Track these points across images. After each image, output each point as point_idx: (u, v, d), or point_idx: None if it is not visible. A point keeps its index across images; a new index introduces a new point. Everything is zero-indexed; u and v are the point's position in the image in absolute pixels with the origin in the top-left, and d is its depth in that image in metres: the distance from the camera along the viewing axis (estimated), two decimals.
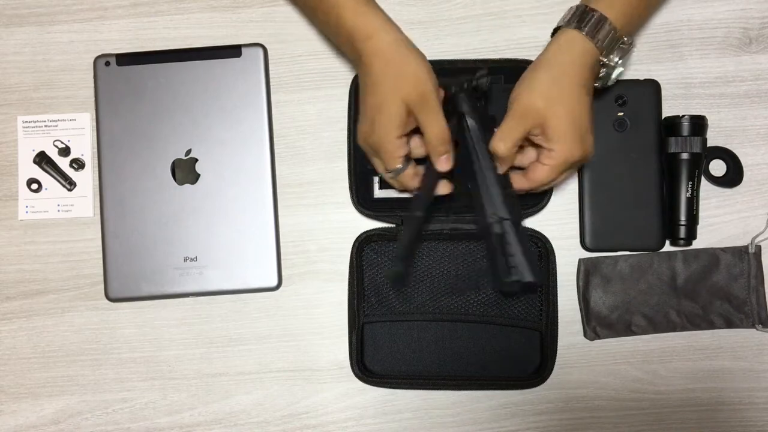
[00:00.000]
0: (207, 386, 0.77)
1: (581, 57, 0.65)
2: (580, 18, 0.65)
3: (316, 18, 0.72)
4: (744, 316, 0.75)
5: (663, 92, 0.77)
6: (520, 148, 0.68)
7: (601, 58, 0.66)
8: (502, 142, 0.66)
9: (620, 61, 0.67)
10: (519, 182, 0.69)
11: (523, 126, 0.65)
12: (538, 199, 0.75)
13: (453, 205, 0.75)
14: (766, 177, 0.77)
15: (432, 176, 0.68)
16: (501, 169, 0.68)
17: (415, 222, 0.68)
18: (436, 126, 0.65)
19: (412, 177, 0.69)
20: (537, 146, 0.67)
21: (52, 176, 0.79)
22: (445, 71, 0.75)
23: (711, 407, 0.76)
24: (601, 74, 0.68)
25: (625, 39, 0.66)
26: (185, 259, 0.75)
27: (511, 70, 0.75)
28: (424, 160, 0.69)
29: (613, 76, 0.68)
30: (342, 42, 0.69)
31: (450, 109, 0.67)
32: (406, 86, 0.65)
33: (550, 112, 0.65)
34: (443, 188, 0.69)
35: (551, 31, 0.69)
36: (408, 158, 0.68)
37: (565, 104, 0.65)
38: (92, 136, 0.79)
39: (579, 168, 0.75)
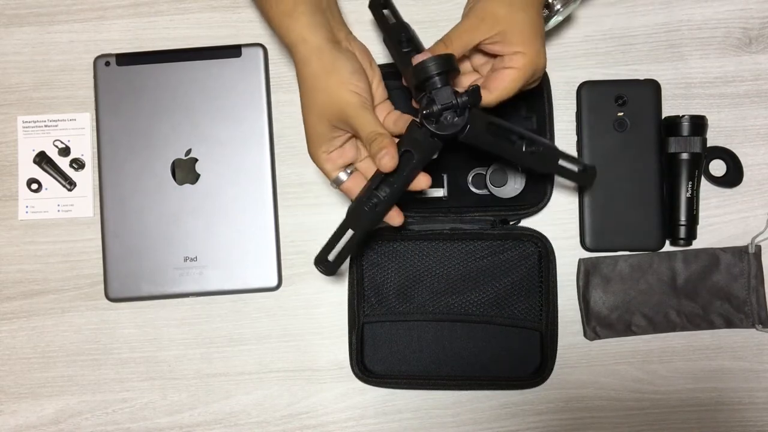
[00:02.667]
0: (207, 386, 0.77)
1: None
2: None
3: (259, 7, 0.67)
4: (744, 316, 0.75)
5: (663, 92, 0.77)
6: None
7: None
8: (455, 41, 0.62)
9: (561, 9, 0.67)
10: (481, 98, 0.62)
11: (480, 31, 0.62)
12: (538, 198, 0.75)
13: (453, 205, 0.75)
14: (766, 177, 0.77)
15: (405, 172, 0.62)
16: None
17: (366, 225, 0.63)
18: (367, 127, 0.60)
19: (354, 187, 0.64)
20: (489, 57, 0.65)
21: (52, 176, 0.79)
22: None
23: (711, 407, 0.76)
24: (544, 14, 0.67)
25: None
26: (185, 259, 0.75)
27: None
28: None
29: (550, 22, 0.68)
30: (277, 32, 0.64)
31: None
32: (325, 103, 0.61)
33: (514, 18, 0.62)
34: (422, 182, 0.63)
35: None
36: (351, 168, 0.65)
37: (528, 12, 0.63)
38: (92, 136, 0.79)
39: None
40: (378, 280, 0.76)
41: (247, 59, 0.77)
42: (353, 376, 0.76)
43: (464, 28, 0.63)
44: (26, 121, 0.79)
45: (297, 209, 0.78)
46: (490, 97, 0.63)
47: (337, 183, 0.65)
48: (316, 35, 0.61)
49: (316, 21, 0.62)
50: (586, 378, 0.76)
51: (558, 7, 0.67)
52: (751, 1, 0.78)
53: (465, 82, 0.66)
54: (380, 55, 0.78)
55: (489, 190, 0.74)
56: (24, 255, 0.78)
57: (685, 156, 0.74)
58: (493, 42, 0.63)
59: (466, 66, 0.68)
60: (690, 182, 0.74)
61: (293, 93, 0.78)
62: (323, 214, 0.78)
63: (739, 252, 0.76)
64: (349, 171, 0.65)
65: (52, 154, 0.79)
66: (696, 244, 0.76)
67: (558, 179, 0.76)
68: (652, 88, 0.76)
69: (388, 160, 0.59)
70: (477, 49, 0.65)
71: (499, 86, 0.63)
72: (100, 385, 0.78)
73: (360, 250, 0.74)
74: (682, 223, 0.74)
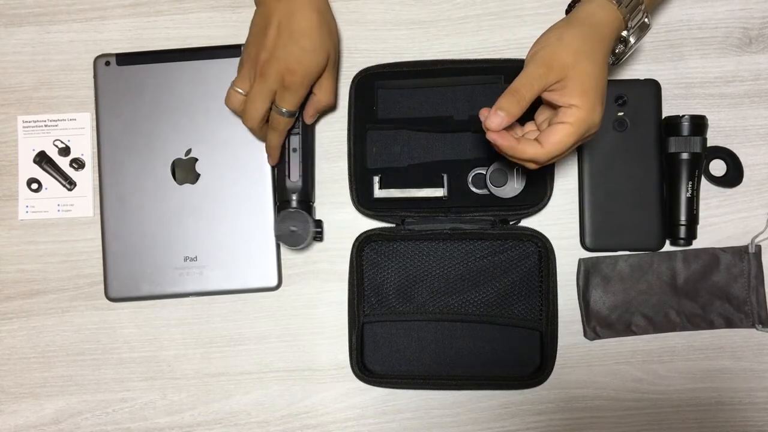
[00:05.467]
0: (207, 386, 0.77)
1: (610, 26, 0.63)
2: None
3: None
4: (744, 316, 0.75)
5: (663, 92, 0.77)
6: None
7: (622, 33, 0.64)
8: (526, 93, 0.60)
9: (635, 44, 0.66)
10: (534, 150, 0.61)
11: (546, 77, 0.60)
12: (538, 199, 0.75)
13: (453, 205, 0.75)
14: (766, 177, 0.77)
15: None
16: (495, 123, 0.60)
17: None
18: (331, 86, 0.72)
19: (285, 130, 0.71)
20: (550, 108, 0.64)
21: (52, 176, 0.79)
22: (446, 71, 0.76)
23: (711, 407, 0.76)
24: (616, 50, 0.66)
25: (647, 17, 0.65)
26: (185, 259, 0.75)
27: (511, 70, 0.75)
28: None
29: (625, 58, 0.67)
30: None
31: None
32: (333, 43, 0.69)
33: (578, 67, 0.60)
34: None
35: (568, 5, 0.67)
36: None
37: (593, 63, 0.61)
38: (92, 136, 0.79)
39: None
40: (378, 280, 0.76)
41: None
42: (353, 376, 0.76)
43: (533, 76, 0.60)
44: (26, 121, 0.79)
45: None
46: (541, 151, 0.61)
47: (286, 114, 0.69)
48: None
49: None
50: (586, 378, 0.76)
51: (632, 41, 0.65)
52: (751, 1, 0.78)
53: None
54: (384, 55, 0.79)
55: (489, 190, 0.74)
56: (24, 255, 0.78)
57: (685, 156, 0.74)
58: (552, 90, 0.61)
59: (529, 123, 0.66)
60: (690, 182, 0.74)
61: None
62: (323, 214, 0.78)
63: (739, 252, 0.76)
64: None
65: (52, 153, 0.79)
66: (696, 244, 0.76)
67: (558, 179, 0.76)
68: (652, 88, 0.76)
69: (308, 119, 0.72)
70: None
71: (551, 140, 0.60)
72: (100, 385, 0.78)
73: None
74: (682, 223, 0.74)
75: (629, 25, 0.64)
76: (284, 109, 0.68)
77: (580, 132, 0.61)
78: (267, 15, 0.67)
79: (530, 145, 0.61)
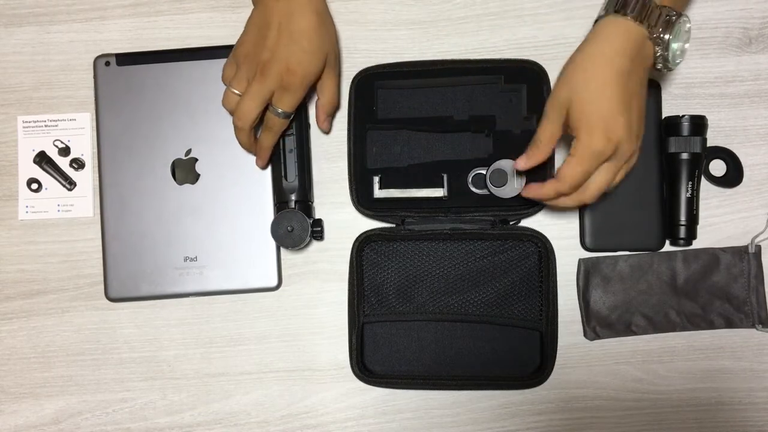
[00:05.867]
0: (207, 386, 0.77)
1: (614, 40, 0.62)
2: (621, 3, 0.62)
3: None
4: (744, 316, 0.75)
5: (663, 92, 0.77)
6: None
7: (648, 36, 0.62)
8: (544, 142, 0.65)
9: (672, 37, 0.62)
10: (554, 187, 0.65)
11: (554, 121, 0.64)
12: None
13: (453, 205, 0.75)
14: (766, 177, 0.77)
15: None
16: (520, 164, 0.67)
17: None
18: (334, 87, 0.72)
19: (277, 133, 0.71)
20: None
21: (52, 176, 0.79)
22: (446, 71, 0.76)
23: (711, 407, 0.76)
24: (657, 53, 0.64)
25: (672, 12, 0.62)
26: (185, 259, 0.75)
27: (511, 70, 0.75)
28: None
29: (671, 54, 0.63)
30: None
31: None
32: (331, 44, 0.69)
33: (573, 100, 0.62)
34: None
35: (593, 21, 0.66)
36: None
37: (587, 89, 0.62)
38: (92, 136, 0.79)
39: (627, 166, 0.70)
40: (378, 280, 0.76)
41: None
42: (353, 376, 0.76)
43: (544, 123, 0.65)
44: (26, 121, 0.79)
45: None
46: (560, 186, 0.65)
47: (282, 115, 0.69)
48: None
49: None
50: (586, 378, 0.76)
51: (667, 36, 0.62)
52: (751, 1, 0.78)
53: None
54: (384, 55, 0.79)
55: (489, 191, 0.74)
56: (24, 255, 0.78)
57: (685, 156, 0.74)
58: (565, 128, 0.65)
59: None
60: (690, 182, 0.74)
61: None
62: (323, 214, 0.78)
63: (739, 252, 0.76)
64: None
65: (52, 154, 0.79)
66: (696, 244, 0.76)
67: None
68: (652, 88, 0.76)
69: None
70: None
71: (561, 173, 0.64)
72: (100, 385, 0.78)
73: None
74: (682, 223, 0.74)
75: (650, 28, 0.62)
76: (281, 110, 0.68)
77: (584, 160, 0.63)
78: (266, 15, 0.66)
79: (552, 184, 0.66)
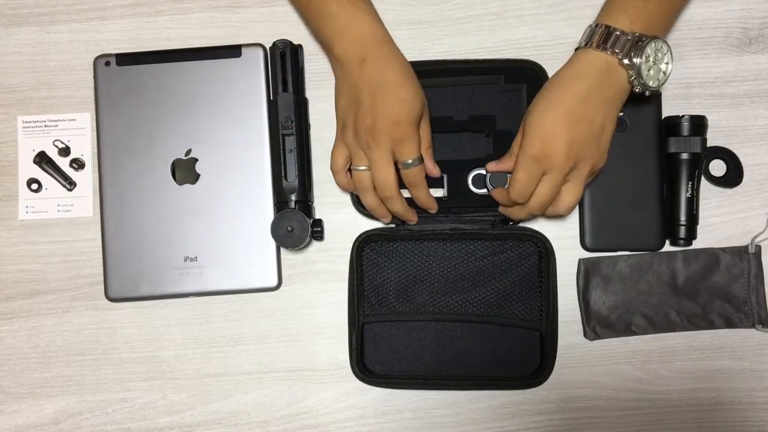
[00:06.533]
0: (207, 386, 0.77)
1: (577, 66, 0.67)
2: (589, 35, 0.67)
3: (314, 12, 0.71)
4: (744, 316, 0.75)
5: (663, 92, 0.77)
6: None
7: (619, 62, 0.65)
8: (513, 150, 0.70)
9: (642, 61, 0.64)
10: (502, 194, 0.71)
11: (521, 140, 0.68)
12: None
13: (453, 205, 0.75)
14: (766, 177, 0.77)
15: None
16: (490, 165, 0.72)
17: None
18: (429, 131, 0.71)
19: (421, 182, 0.71)
20: None
21: (52, 176, 0.79)
22: (446, 71, 0.76)
23: (711, 407, 0.76)
24: (631, 77, 0.66)
25: (643, 38, 0.64)
26: (185, 259, 0.75)
27: (511, 70, 0.75)
28: None
29: (645, 76, 0.65)
30: (349, 39, 0.68)
31: None
32: (421, 92, 0.69)
33: (529, 111, 0.67)
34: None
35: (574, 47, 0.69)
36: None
37: (541, 103, 0.67)
38: (92, 136, 0.79)
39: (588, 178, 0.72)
40: (378, 280, 0.76)
41: (247, 59, 0.77)
42: (353, 376, 0.76)
43: (517, 136, 0.69)
44: (26, 121, 0.79)
45: None
46: (510, 192, 0.69)
47: (415, 161, 0.69)
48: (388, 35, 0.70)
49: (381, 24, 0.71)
50: (586, 378, 0.76)
51: (637, 61, 0.65)
52: (751, 1, 0.78)
53: None
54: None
55: (488, 191, 0.74)
56: (24, 255, 0.78)
57: (685, 156, 0.74)
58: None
59: None
60: (690, 182, 0.74)
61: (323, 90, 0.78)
62: (323, 214, 0.78)
63: (739, 252, 0.76)
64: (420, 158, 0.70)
65: (52, 154, 0.79)
66: (696, 244, 0.76)
67: None
68: None
69: (437, 171, 0.72)
70: None
71: (510, 179, 0.69)
72: (100, 385, 0.78)
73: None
74: (682, 223, 0.74)
75: (617, 54, 0.65)
76: (410, 161, 0.68)
77: (521, 163, 0.67)
78: (354, 82, 0.68)
79: (500, 191, 0.71)
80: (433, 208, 0.74)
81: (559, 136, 0.65)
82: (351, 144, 0.69)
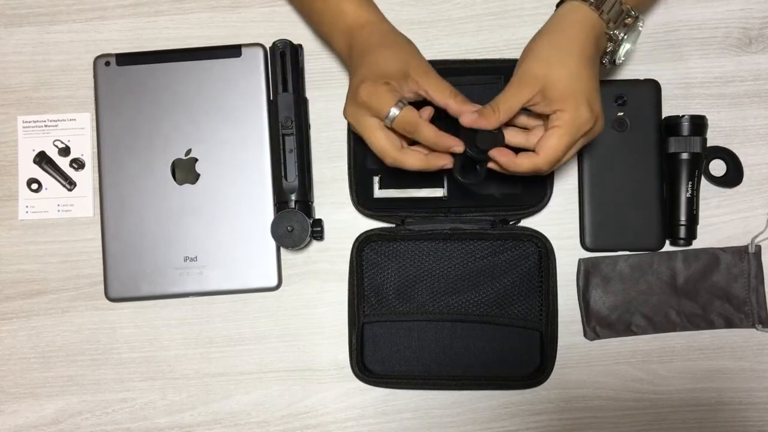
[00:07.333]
0: (207, 386, 0.77)
1: (583, 26, 0.64)
2: None
3: (313, 8, 0.72)
4: (744, 316, 0.75)
5: (663, 92, 0.77)
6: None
7: (606, 30, 0.64)
8: (501, 107, 0.63)
9: (626, 37, 0.65)
10: (530, 161, 0.64)
11: (521, 94, 0.63)
12: (537, 199, 0.75)
13: (453, 205, 0.75)
14: (766, 177, 0.77)
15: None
16: (468, 119, 0.63)
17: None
18: (446, 84, 0.65)
19: (420, 119, 0.64)
20: (540, 118, 0.66)
21: (52, 176, 0.79)
22: (446, 71, 0.76)
23: (711, 407, 0.76)
24: (608, 48, 0.66)
25: (632, 12, 0.65)
26: (185, 259, 0.75)
27: (511, 70, 0.75)
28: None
29: (621, 53, 0.66)
30: (338, 30, 0.69)
31: None
32: (407, 53, 0.66)
33: (551, 76, 0.62)
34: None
35: (555, 3, 0.68)
36: (404, 103, 0.64)
37: (566, 67, 0.63)
38: (92, 136, 0.79)
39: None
40: (378, 280, 0.76)
41: (247, 59, 0.77)
42: (353, 376, 0.76)
43: (509, 93, 0.64)
44: (26, 121, 0.79)
45: None
46: (538, 159, 0.63)
47: (390, 118, 0.64)
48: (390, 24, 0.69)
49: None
50: (586, 378, 0.76)
51: (621, 35, 0.65)
52: (751, 1, 0.78)
53: (515, 139, 0.67)
54: None
55: (472, 154, 0.67)
56: (24, 255, 0.78)
57: (685, 156, 0.74)
58: (534, 103, 0.64)
59: (516, 127, 0.68)
60: (690, 182, 0.74)
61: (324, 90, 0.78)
62: (323, 214, 0.78)
63: (739, 252, 0.76)
64: (401, 106, 0.64)
65: (52, 154, 0.79)
66: (696, 244, 0.76)
67: (558, 179, 0.77)
68: (652, 88, 0.76)
69: (471, 107, 0.64)
70: (527, 110, 0.65)
71: (545, 146, 0.63)
72: (100, 385, 0.78)
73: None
74: (682, 223, 0.74)
75: (609, 23, 0.64)
76: (384, 116, 0.65)
77: (571, 132, 0.63)
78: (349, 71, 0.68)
79: (527, 156, 0.64)
80: (454, 145, 0.65)
81: (597, 99, 0.63)
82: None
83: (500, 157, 0.65)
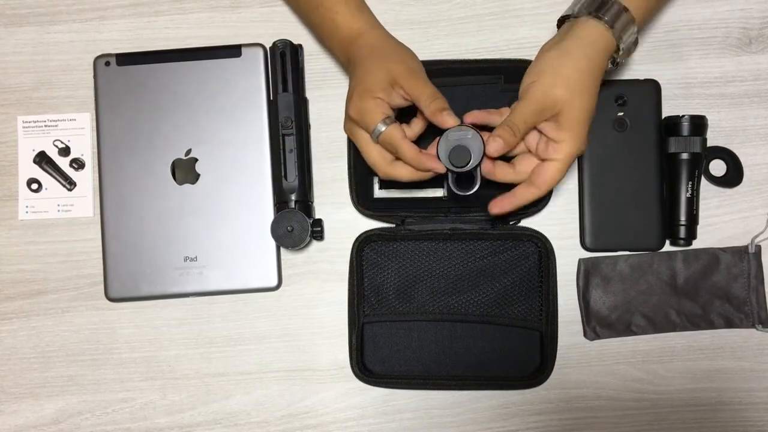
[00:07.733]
0: (207, 386, 0.77)
1: (602, 49, 0.63)
2: (600, 6, 0.63)
3: (311, 21, 0.73)
4: (744, 316, 0.75)
5: (663, 92, 0.77)
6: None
7: (613, 54, 0.65)
8: (521, 127, 0.63)
9: (624, 62, 0.67)
10: (531, 194, 0.65)
11: (540, 114, 0.63)
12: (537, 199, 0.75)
13: (453, 205, 0.75)
14: (766, 177, 0.77)
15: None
16: (493, 149, 0.63)
17: None
18: (428, 88, 0.65)
19: (401, 138, 0.64)
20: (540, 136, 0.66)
21: (52, 176, 0.79)
22: (446, 71, 0.76)
23: (711, 407, 0.76)
24: (607, 69, 0.66)
25: (637, 36, 0.66)
26: (185, 259, 0.75)
27: (511, 70, 0.75)
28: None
29: (620, 63, 0.67)
30: (335, 45, 0.70)
31: None
32: (392, 61, 0.65)
33: (572, 103, 0.62)
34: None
35: (558, 19, 0.67)
36: (391, 119, 0.65)
37: (585, 96, 0.63)
38: (92, 136, 0.79)
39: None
40: (378, 280, 0.76)
41: (247, 59, 0.77)
42: (353, 376, 0.76)
43: (527, 113, 0.63)
44: (26, 121, 0.79)
45: None
46: (539, 192, 0.65)
47: (376, 133, 0.65)
48: (383, 29, 0.70)
49: (379, 22, 0.71)
50: (586, 378, 0.76)
51: (623, 61, 0.67)
52: (751, 1, 0.78)
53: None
54: None
55: (453, 190, 0.67)
56: (24, 255, 0.78)
57: (685, 156, 0.74)
58: (546, 122, 0.64)
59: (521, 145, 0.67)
60: (690, 182, 0.74)
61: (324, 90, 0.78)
62: (323, 214, 0.78)
63: (739, 252, 0.76)
64: (387, 123, 0.65)
65: (52, 154, 0.79)
66: (696, 244, 0.76)
67: None
68: (652, 88, 0.76)
69: (453, 118, 0.64)
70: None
71: (545, 180, 0.64)
72: (100, 385, 0.78)
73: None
74: (682, 223, 0.74)
75: (621, 46, 0.65)
76: (372, 132, 0.66)
77: (569, 163, 0.64)
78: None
79: (528, 191, 0.65)
80: (433, 168, 0.65)
81: (589, 126, 0.64)
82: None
83: (502, 208, 0.66)
